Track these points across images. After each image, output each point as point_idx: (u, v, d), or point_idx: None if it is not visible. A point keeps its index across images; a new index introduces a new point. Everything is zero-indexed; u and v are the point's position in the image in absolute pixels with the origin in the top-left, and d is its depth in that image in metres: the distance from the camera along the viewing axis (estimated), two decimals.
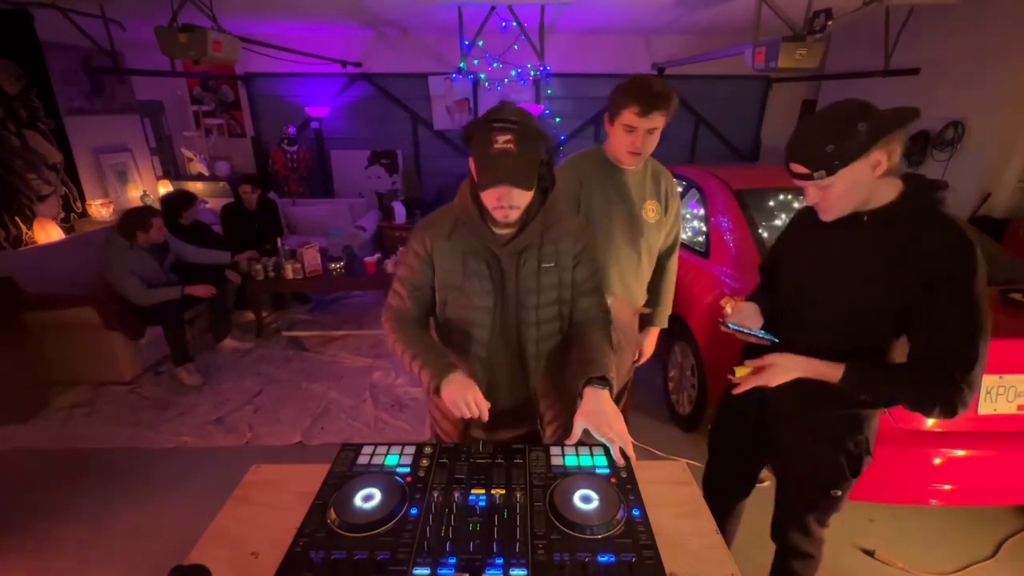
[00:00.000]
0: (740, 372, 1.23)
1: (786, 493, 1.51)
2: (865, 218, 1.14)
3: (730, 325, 1.30)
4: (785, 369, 1.18)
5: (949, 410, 1.06)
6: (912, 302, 1.08)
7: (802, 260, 1.30)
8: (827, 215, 1.17)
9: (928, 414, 1.09)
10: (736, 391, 1.23)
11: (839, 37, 5.53)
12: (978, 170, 4.31)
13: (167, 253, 3.48)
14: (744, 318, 1.33)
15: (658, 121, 1.58)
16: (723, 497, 1.75)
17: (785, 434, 1.41)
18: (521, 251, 1.22)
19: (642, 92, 1.53)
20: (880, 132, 1.02)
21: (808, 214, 1.34)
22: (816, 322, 1.22)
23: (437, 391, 1.16)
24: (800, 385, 1.20)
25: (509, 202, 1.11)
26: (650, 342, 2.05)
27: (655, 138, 1.63)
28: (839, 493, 1.36)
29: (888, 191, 1.12)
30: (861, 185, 1.08)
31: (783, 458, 1.47)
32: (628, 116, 1.57)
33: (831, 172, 1.06)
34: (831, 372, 1.14)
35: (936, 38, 4.53)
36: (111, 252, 3.20)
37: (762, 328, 1.31)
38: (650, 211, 1.81)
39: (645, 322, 2.04)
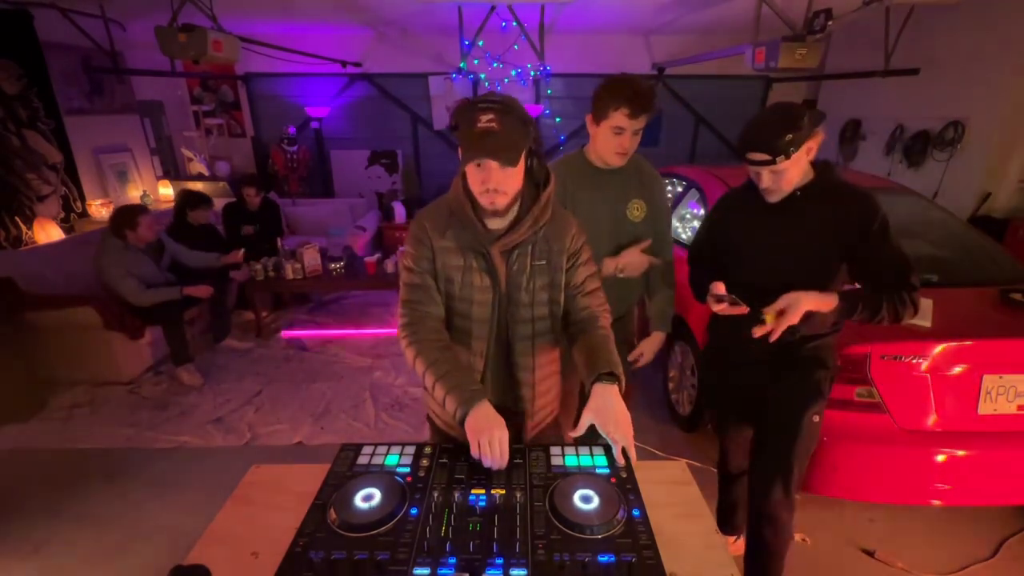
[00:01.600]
0: (769, 318, 1.35)
1: (764, 441, 1.62)
2: (798, 194, 1.43)
3: (730, 298, 1.45)
4: (801, 303, 1.31)
5: (916, 310, 1.35)
6: (853, 248, 1.39)
7: (751, 238, 1.53)
8: (777, 196, 1.44)
9: (902, 317, 1.34)
10: (772, 338, 1.35)
11: (839, 37, 5.54)
12: (978, 170, 4.31)
13: (163, 252, 3.48)
14: (723, 294, 1.48)
15: (644, 122, 1.61)
16: (742, 464, 1.82)
17: (771, 379, 1.58)
18: (512, 248, 1.21)
19: (633, 94, 1.55)
20: (814, 124, 1.32)
21: (736, 201, 1.63)
22: (777, 285, 1.37)
23: (462, 421, 1.11)
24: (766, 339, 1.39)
25: (494, 184, 1.10)
26: (652, 346, 1.98)
27: (639, 137, 1.66)
28: (817, 418, 1.55)
29: (808, 172, 1.43)
30: (800, 168, 1.38)
31: (769, 395, 1.58)
32: (618, 118, 1.58)
33: (788, 157, 1.31)
34: (829, 301, 1.33)
35: (936, 38, 4.53)
36: (106, 254, 3.18)
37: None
38: (635, 210, 1.81)
39: (651, 327, 2.02)
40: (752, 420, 1.68)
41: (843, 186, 1.44)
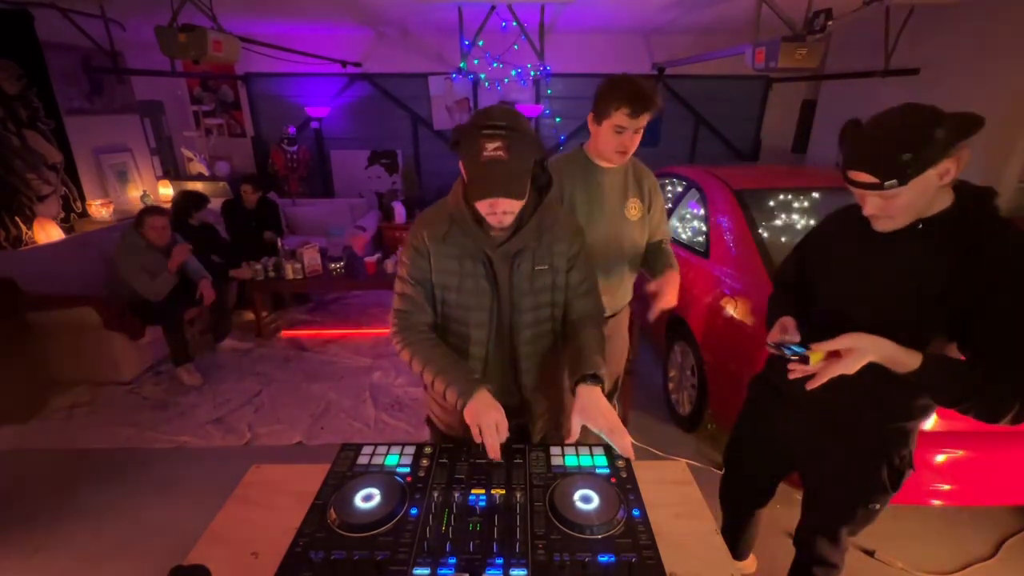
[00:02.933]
0: (815, 359, 1.08)
1: (819, 503, 1.44)
2: (921, 226, 1.07)
3: (783, 348, 1.17)
4: (865, 352, 1.05)
5: (1017, 418, 0.99)
6: (974, 308, 1.02)
7: (847, 270, 1.22)
8: (886, 225, 1.09)
9: (997, 420, 1.01)
10: (811, 385, 1.10)
11: (839, 37, 5.53)
12: (978, 170, 4.31)
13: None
14: (791, 335, 1.23)
15: (645, 121, 1.60)
16: (740, 506, 1.75)
17: (818, 444, 1.35)
18: (515, 254, 1.21)
19: (635, 94, 1.55)
20: (955, 139, 0.96)
21: (843, 221, 1.27)
22: (868, 332, 1.09)
23: (464, 408, 1.13)
24: (842, 389, 1.12)
25: (502, 209, 1.10)
26: (671, 286, 1.73)
27: (639, 136, 1.66)
28: (877, 507, 1.33)
29: (944, 198, 1.06)
30: (927, 194, 1.02)
31: (815, 467, 1.41)
32: (619, 117, 1.58)
33: (904, 182, 0.98)
34: (908, 360, 1.03)
35: (936, 38, 4.53)
36: (126, 250, 3.22)
37: (799, 343, 1.20)
38: (632, 209, 1.82)
39: (663, 264, 1.85)
40: (780, 474, 1.54)
41: (997, 227, 1.03)
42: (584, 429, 1.14)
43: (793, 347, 1.16)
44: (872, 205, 1.06)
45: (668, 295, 1.70)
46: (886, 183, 0.99)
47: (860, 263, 1.18)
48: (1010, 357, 0.99)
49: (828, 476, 1.37)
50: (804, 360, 1.10)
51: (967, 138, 0.96)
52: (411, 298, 1.26)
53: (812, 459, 1.40)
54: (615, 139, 1.64)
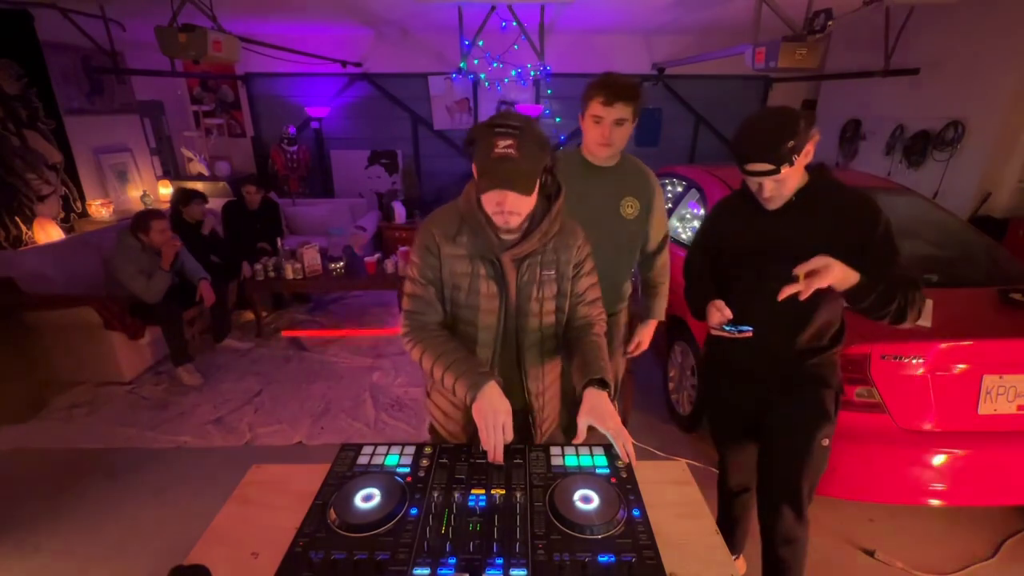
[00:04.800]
0: (801, 277, 1.29)
1: (778, 460, 1.56)
2: (794, 199, 1.37)
3: (725, 327, 1.43)
4: (832, 266, 1.26)
5: (919, 315, 1.32)
6: (854, 254, 1.29)
7: (749, 249, 1.47)
8: (777, 203, 1.38)
9: (905, 317, 1.30)
10: (802, 297, 1.29)
11: (839, 37, 5.54)
12: (978, 170, 4.31)
13: (177, 258, 3.47)
14: (725, 317, 1.44)
15: (623, 111, 1.62)
16: (733, 490, 1.81)
17: (771, 397, 1.53)
18: (523, 259, 1.22)
19: (607, 83, 1.62)
20: (810, 126, 1.26)
21: (732, 211, 1.56)
22: (775, 294, 1.32)
23: (473, 402, 1.13)
24: (773, 350, 1.45)
25: (508, 207, 1.11)
26: (647, 334, 2.05)
27: (624, 131, 1.67)
28: (826, 442, 1.50)
29: (803, 177, 1.38)
30: (799, 173, 1.34)
31: (769, 423, 1.54)
32: (595, 107, 1.64)
33: (791, 164, 1.26)
34: (853, 276, 1.28)
35: (936, 38, 4.53)
36: (121, 252, 3.22)
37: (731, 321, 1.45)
38: (628, 208, 1.83)
39: (643, 314, 2.07)
40: (753, 437, 1.65)
41: (841, 189, 1.39)
42: (591, 430, 1.14)
43: (740, 326, 1.41)
44: (768, 189, 1.33)
45: (643, 343, 2.01)
46: (781, 167, 1.26)
47: (760, 240, 1.44)
48: (892, 277, 1.29)
49: (784, 422, 1.52)
50: (750, 333, 1.40)
51: (814, 125, 1.27)
52: (421, 298, 1.26)
53: (765, 417, 1.55)
54: (595, 130, 1.67)
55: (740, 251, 1.50)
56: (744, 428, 1.66)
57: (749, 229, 1.47)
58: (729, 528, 1.90)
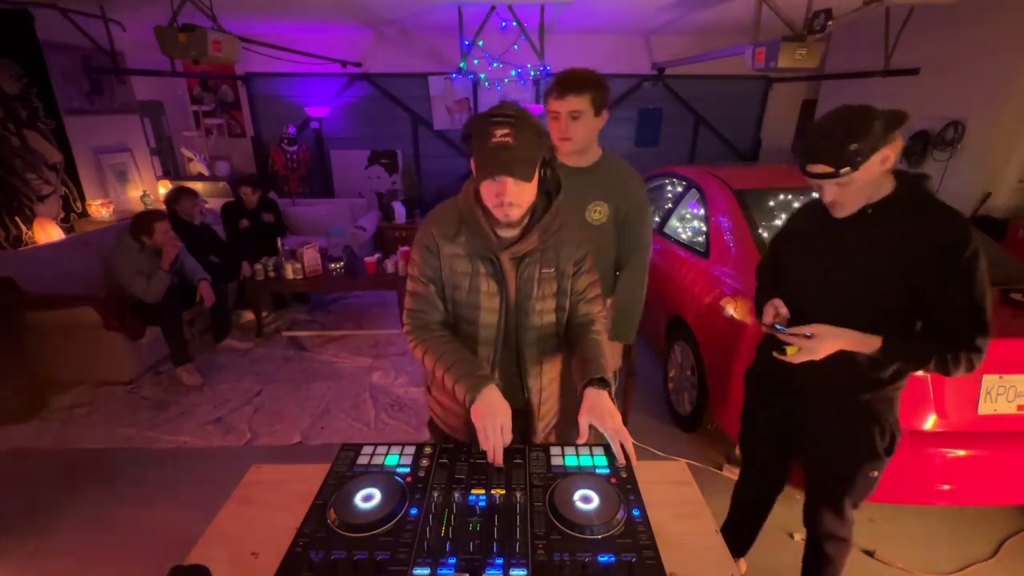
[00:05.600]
0: (791, 351, 1.29)
1: (820, 478, 1.53)
2: (869, 211, 1.25)
3: (777, 326, 1.35)
4: (830, 340, 1.25)
5: (971, 370, 1.20)
6: (924, 280, 1.19)
7: (812, 257, 1.38)
8: (843, 211, 1.26)
9: (952, 374, 1.20)
10: (792, 360, 1.30)
11: (839, 37, 5.54)
12: (978, 170, 4.31)
13: (177, 259, 3.47)
14: (780, 316, 1.38)
15: (576, 103, 1.61)
16: (757, 496, 1.80)
17: (817, 420, 1.46)
18: (522, 256, 1.22)
19: (559, 77, 1.62)
20: (890, 129, 1.14)
21: (809, 213, 1.45)
22: (836, 312, 1.27)
23: (472, 404, 1.13)
24: (827, 371, 1.31)
25: (508, 198, 1.11)
26: (614, 357, 1.90)
27: (582, 125, 1.65)
28: (875, 474, 1.43)
29: (886, 185, 1.24)
30: (873, 179, 1.19)
31: (817, 445, 1.49)
32: (551, 102, 1.64)
33: (855, 168, 1.15)
34: (869, 343, 1.23)
35: (936, 38, 4.53)
36: (120, 253, 3.22)
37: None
38: (594, 213, 1.79)
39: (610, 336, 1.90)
40: (789, 453, 1.62)
41: (931, 205, 1.22)
42: (592, 430, 1.14)
43: (797, 329, 1.31)
44: (830, 193, 1.23)
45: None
46: (841, 171, 1.16)
47: (823, 251, 1.35)
48: (957, 328, 1.18)
49: (828, 450, 1.46)
50: (802, 336, 1.28)
51: (898, 128, 1.15)
52: (423, 296, 1.27)
53: (812, 437, 1.50)
54: (553, 125, 1.66)
55: (805, 258, 1.41)
56: (780, 443, 1.61)
57: (817, 236, 1.37)
58: (736, 533, 1.88)
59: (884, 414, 1.39)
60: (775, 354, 1.31)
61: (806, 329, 1.27)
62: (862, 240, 1.27)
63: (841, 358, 1.28)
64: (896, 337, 1.23)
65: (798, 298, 1.38)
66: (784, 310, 1.37)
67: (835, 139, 1.15)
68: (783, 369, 1.37)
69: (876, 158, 1.15)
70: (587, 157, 1.76)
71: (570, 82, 1.61)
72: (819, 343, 1.25)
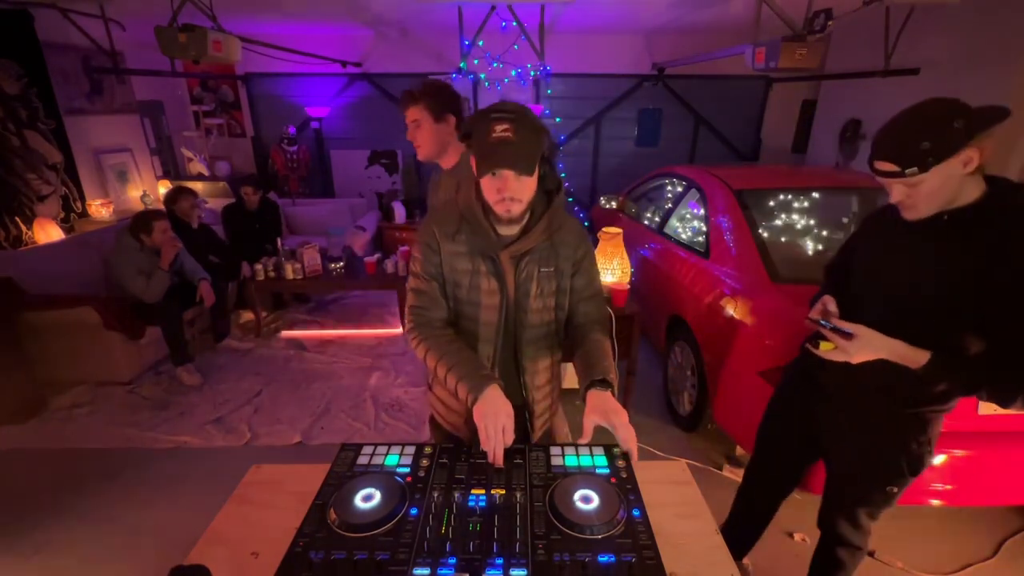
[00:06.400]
0: (825, 347, 1.20)
1: (839, 485, 1.50)
2: (946, 217, 1.12)
3: (821, 322, 1.24)
4: (871, 346, 1.14)
5: None
6: (996, 300, 1.07)
7: (880, 261, 1.29)
8: (912, 213, 1.15)
9: (1007, 406, 1.09)
10: (823, 355, 1.22)
11: (839, 37, 5.53)
12: None
13: (176, 256, 3.47)
14: (828, 312, 1.29)
15: (413, 114, 1.71)
16: (766, 494, 1.77)
17: (842, 429, 1.42)
18: (522, 255, 1.22)
19: (402, 93, 1.73)
20: (975, 129, 1.02)
21: (883, 215, 1.33)
22: (895, 321, 1.17)
23: (474, 404, 1.13)
24: (858, 380, 1.23)
25: (509, 193, 1.11)
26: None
27: (424, 132, 1.73)
28: (895, 490, 1.39)
29: (972, 190, 1.10)
30: (951, 183, 1.07)
31: (838, 451, 1.46)
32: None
33: (924, 169, 1.04)
34: (915, 357, 1.12)
35: (936, 38, 4.53)
36: (120, 252, 3.22)
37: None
38: None
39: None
40: (807, 455, 1.58)
41: (1018, 218, 1.08)
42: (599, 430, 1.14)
43: (840, 325, 1.20)
44: (897, 192, 1.12)
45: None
46: (907, 171, 1.05)
47: (888, 260, 1.25)
48: (1015, 350, 1.05)
49: (850, 461, 1.42)
50: (844, 334, 1.17)
51: (988, 128, 1.01)
52: (425, 294, 1.27)
53: (836, 444, 1.45)
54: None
55: (869, 261, 1.32)
56: (800, 444, 1.57)
57: (885, 239, 1.28)
58: (738, 534, 1.86)
59: (917, 435, 1.30)
60: (807, 345, 1.23)
61: (848, 326, 1.16)
62: (930, 250, 1.15)
63: (882, 368, 1.17)
64: (946, 355, 1.11)
65: (854, 302, 1.28)
66: (833, 307, 1.27)
67: (906, 135, 1.05)
68: (823, 370, 1.30)
69: (955, 160, 1.03)
70: (449, 159, 1.81)
71: (404, 97, 1.72)
72: (858, 346, 1.15)
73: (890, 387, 1.23)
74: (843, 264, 1.44)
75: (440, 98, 1.71)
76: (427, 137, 1.74)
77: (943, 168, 1.04)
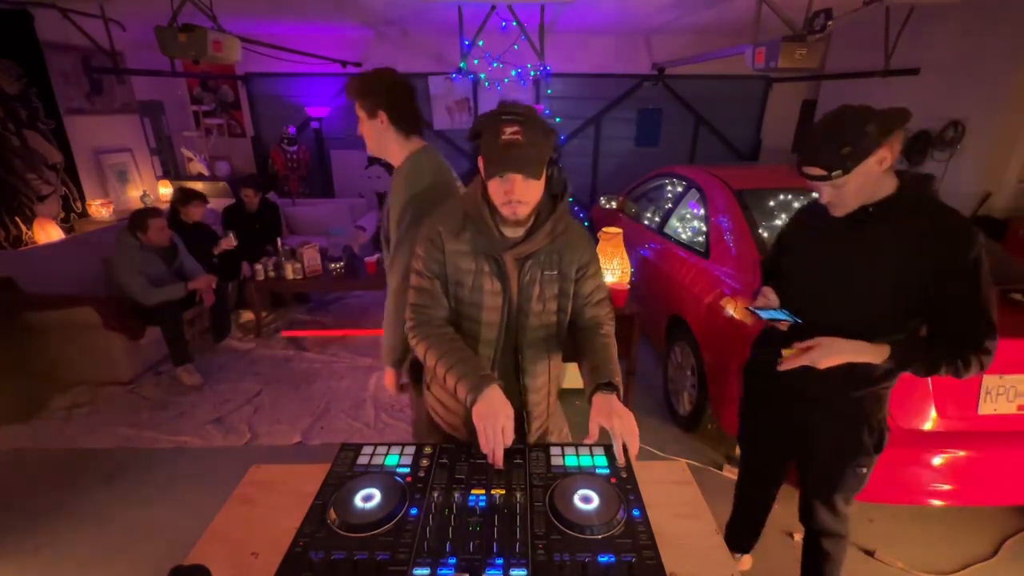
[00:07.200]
0: (787, 352, 1.29)
1: (813, 475, 1.55)
2: (871, 210, 1.25)
3: (757, 311, 1.36)
4: (833, 351, 1.24)
5: (981, 371, 1.22)
6: (929, 284, 1.20)
7: (813, 255, 1.39)
8: (840, 210, 1.27)
9: (963, 377, 1.22)
10: (781, 367, 1.31)
11: (839, 37, 5.53)
12: (978, 170, 4.31)
13: (176, 256, 3.47)
14: (769, 303, 1.40)
15: (357, 109, 1.58)
16: (755, 491, 1.82)
17: (812, 418, 1.48)
18: (526, 257, 1.22)
19: None
20: (886, 131, 1.14)
21: (811, 211, 1.45)
22: (835, 312, 1.29)
23: (473, 404, 1.12)
24: (824, 370, 1.28)
25: (517, 196, 1.11)
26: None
27: (365, 129, 1.60)
28: (864, 471, 1.45)
29: (888, 185, 1.24)
30: (870, 180, 1.20)
31: (807, 440, 1.51)
32: None
33: (847, 171, 1.17)
34: (876, 354, 1.22)
35: (936, 38, 4.53)
36: (120, 252, 3.22)
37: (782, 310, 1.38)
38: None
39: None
40: (785, 447, 1.63)
41: (933, 206, 1.23)
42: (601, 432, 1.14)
43: (780, 312, 1.35)
44: (826, 194, 1.25)
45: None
46: (833, 174, 1.18)
47: (823, 250, 1.36)
48: (965, 330, 1.20)
49: (817, 448, 1.49)
50: (783, 325, 1.31)
51: (896, 129, 1.15)
52: (427, 291, 1.26)
53: (802, 434, 1.52)
54: None
55: (805, 256, 1.43)
56: (778, 439, 1.63)
57: (818, 235, 1.38)
58: (741, 528, 1.90)
59: (874, 412, 1.41)
60: (778, 367, 1.31)
61: (807, 344, 1.26)
62: (863, 240, 1.27)
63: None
64: (903, 345, 1.23)
65: (798, 296, 1.38)
66: (773, 297, 1.39)
67: (828, 142, 1.17)
68: (774, 366, 1.37)
69: (871, 160, 1.16)
70: (394, 156, 1.65)
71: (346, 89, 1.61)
72: (821, 354, 1.24)
73: (849, 370, 1.30)
74: (777, 260, 1.55)
75: (369, 94, 1.54)
76: (367, 133, 1.61)
77: (862, 168, 1.17)
